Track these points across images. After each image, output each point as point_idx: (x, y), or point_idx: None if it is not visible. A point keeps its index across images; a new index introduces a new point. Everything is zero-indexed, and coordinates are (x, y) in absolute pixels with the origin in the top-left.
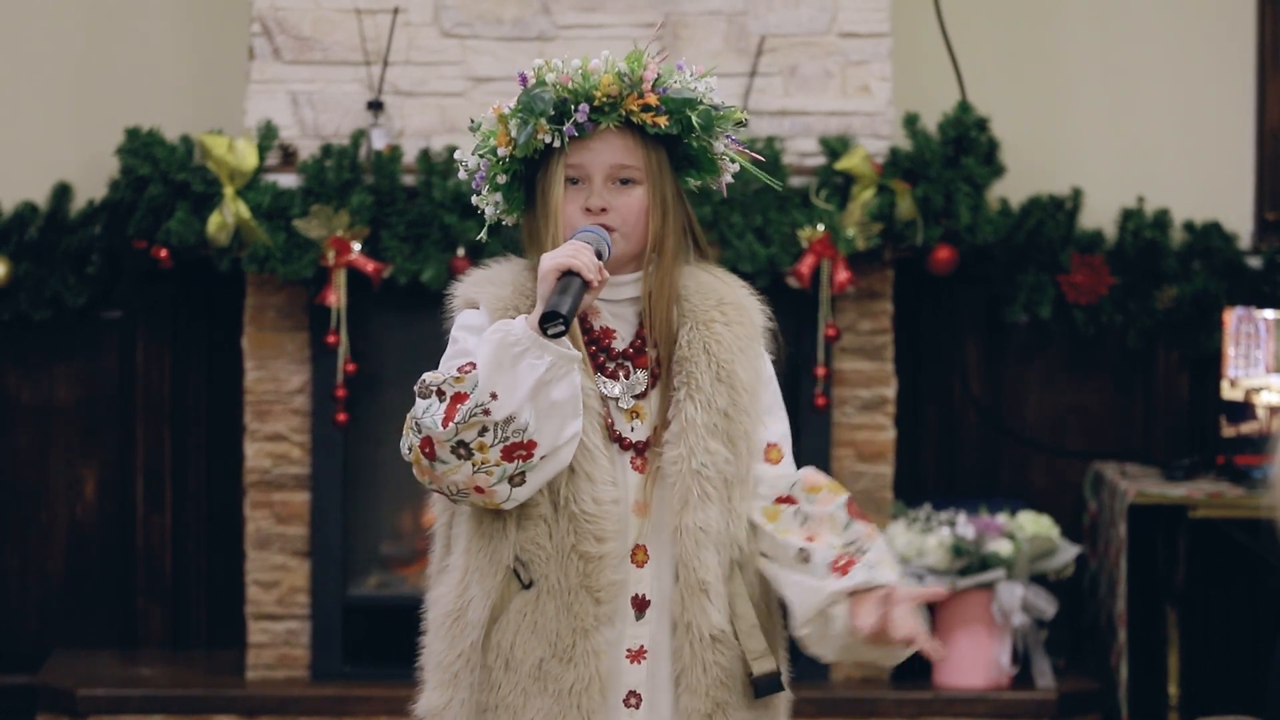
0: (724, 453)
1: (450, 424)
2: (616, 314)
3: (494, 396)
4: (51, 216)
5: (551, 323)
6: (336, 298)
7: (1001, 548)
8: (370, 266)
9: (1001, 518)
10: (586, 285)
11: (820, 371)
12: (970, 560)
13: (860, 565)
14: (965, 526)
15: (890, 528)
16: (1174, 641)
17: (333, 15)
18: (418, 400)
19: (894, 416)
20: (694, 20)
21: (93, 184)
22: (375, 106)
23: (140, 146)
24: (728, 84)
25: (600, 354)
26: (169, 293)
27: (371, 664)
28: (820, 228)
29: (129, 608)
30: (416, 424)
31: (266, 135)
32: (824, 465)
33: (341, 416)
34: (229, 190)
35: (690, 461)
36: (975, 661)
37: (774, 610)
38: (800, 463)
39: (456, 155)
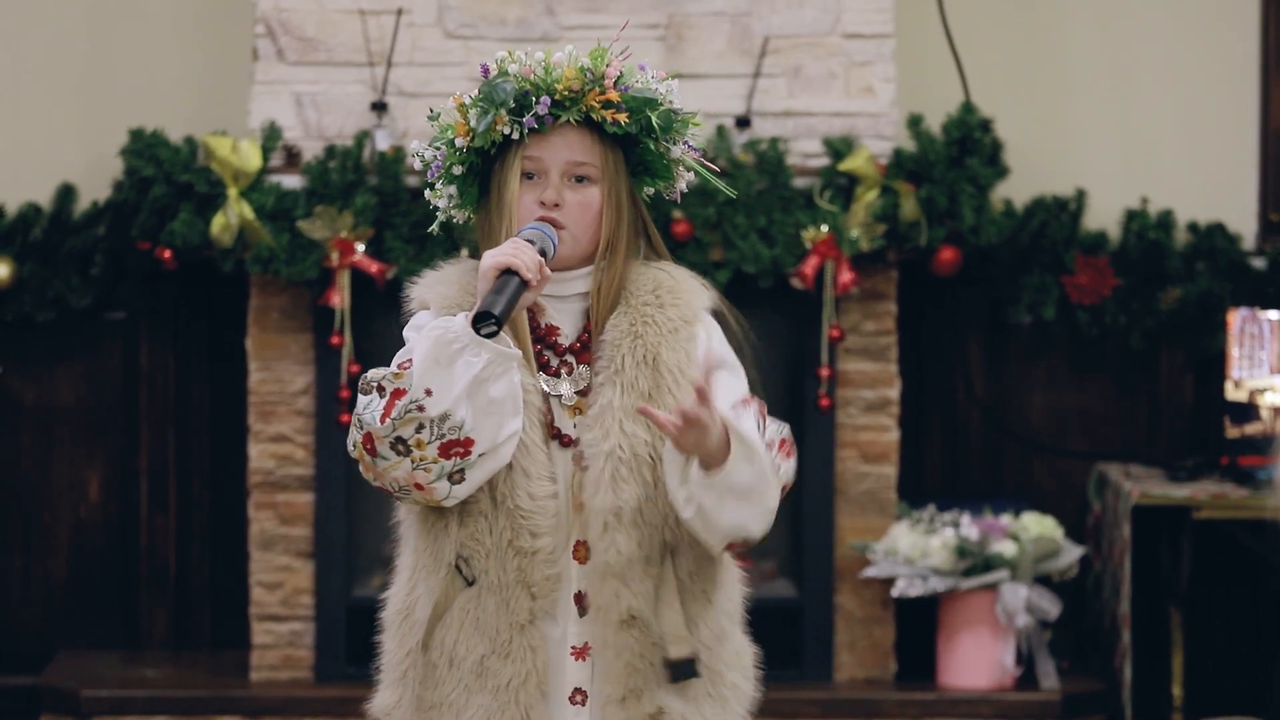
0: (643, 435)
1: (388, 420)
2: (563, 310)
3: (429, 393)
4: (55, 217)
5: (484, 323)
6: (340, 299)
7: (1005, 549)
8: (374, 267)
9: (1005, 519)
10: (525, 284)
11: (824, 372)
12: (974, 561)
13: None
14: (969, 527)
15: (894, 529)
16: (1178, 642)
17: (336, 16)
18: (359, 396)
19: (898, 417)
20: (698, 21)
21: (96, 185)
22: (379, 108)
23: (144, 147)
24: (731, 85)
25: (545, 350)
26: (173, 294)
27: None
28: (824, 229)
29: (132, 609)
30: (359, 420)
31: (270, 136)
32: (828, 467)
33: (345, 417)
34: (233, 191)
35: (604, 444)
36: (979, 662)
37: (712, 596)
38: (802, 464)
39: (412, 146)
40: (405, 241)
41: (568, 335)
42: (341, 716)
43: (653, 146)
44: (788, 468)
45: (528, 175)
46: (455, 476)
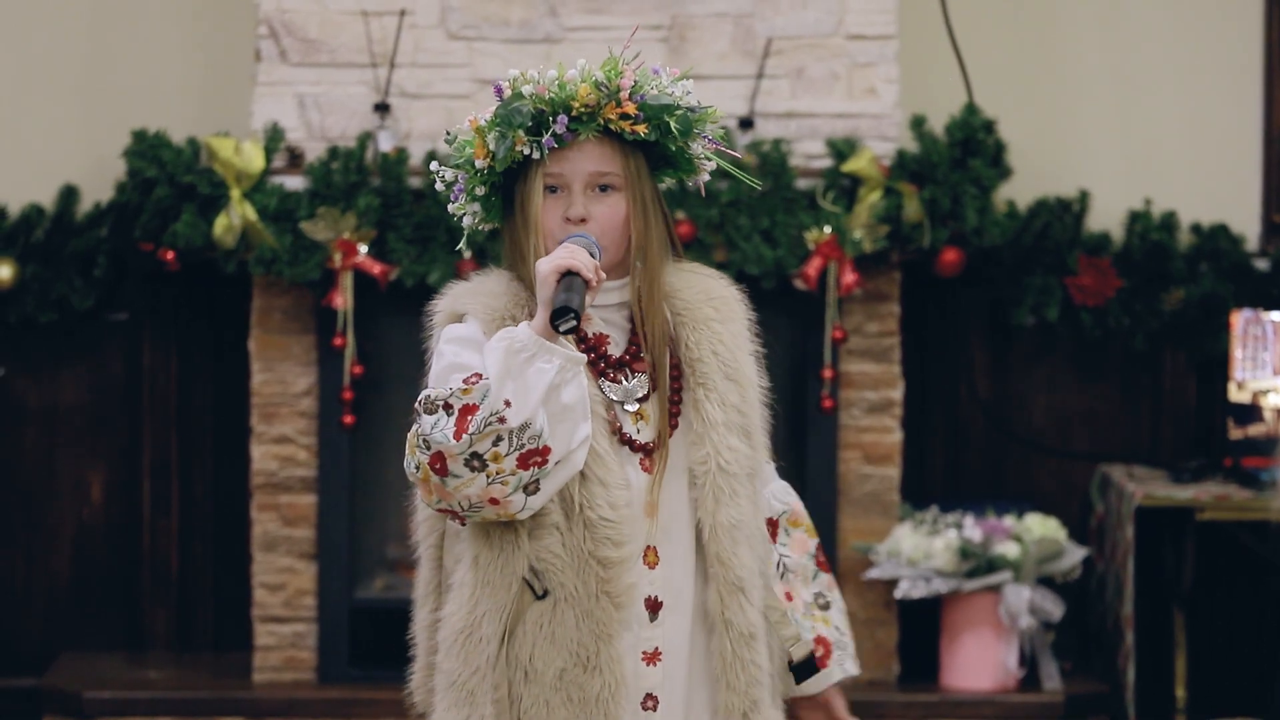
0: (744, 448)
1: (464, 436)
2: (608, 320)
3: (508, 404)
4: (58, 219)
5: (563, 318)
6: (343, 300)
7: (1008, 550)
8: (377, 269)
9: (1008, 520)
10: (587, 284)
11: (827, 374)
12: (977, 562)
13: (834, 660)
14: (972, 529)
15: (897, 530)
16: (1181, 644)
17: (339, 18)
18: (423, 417)
19: (901, 419)
20: (700, 22)
21: (99, 186)
22: (382, 109)
23: (147, 149)
24: (734, 86)
25: (599, 360)
26: (175, 295)
27: (378, 666)
28: (827, 230)
29: (135, 610)
30: (424, 440)
31: (273, 138)
32: (831, 468)
33: (348, 419)
34: (235, 192)
35: (717, 460)
36: (982, 664)
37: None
38: (805, 465)
39: (433, 167)
40: (408, 243)
41: (617, 343)
42: (344, 718)
43: (673, 146)
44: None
45: (550, 190)
46: (531, 487)
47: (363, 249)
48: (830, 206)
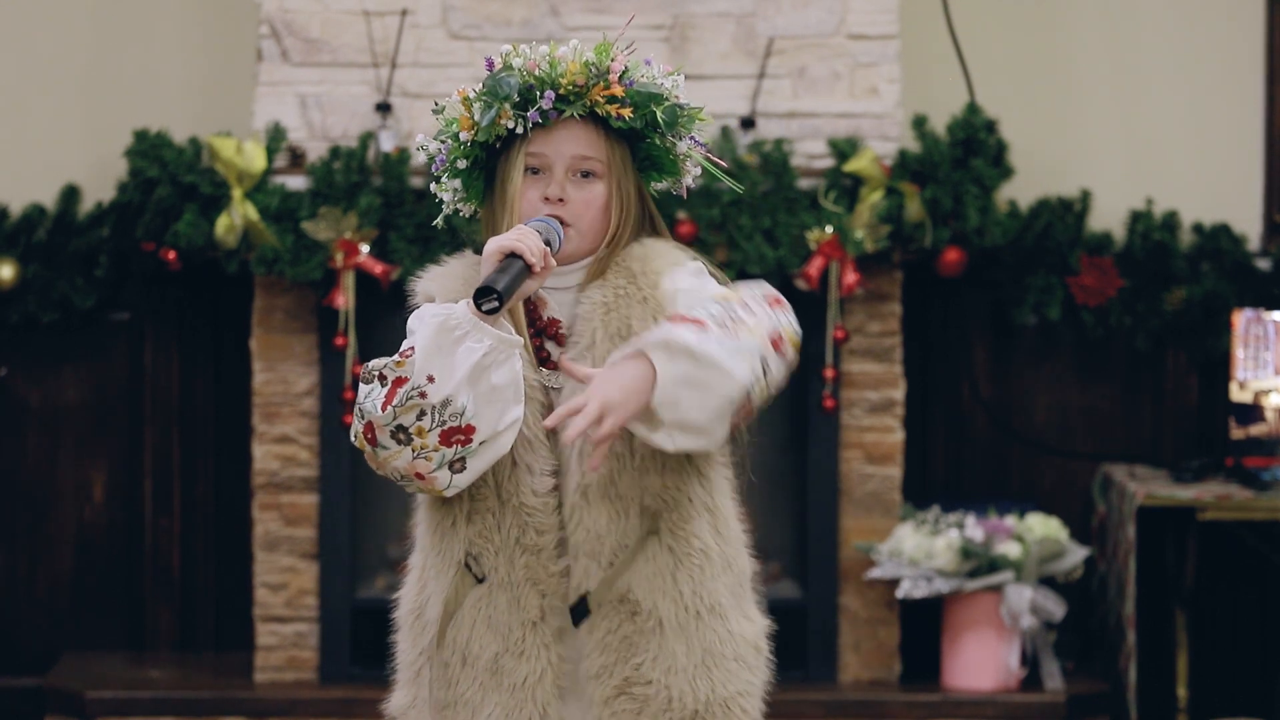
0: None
1: (389, 407)
2: (564, 303)
3: (431, 379)
4: (60, 218)
5: (485, 297)
6: (345, 300)
7: (1010, 550)
8: (378, 268)
9: (1010, 520)
10: (528, 269)
11: (829, 373)
12: (979, 562)
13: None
14: (974, 529)
15: (898, 530)
16: (1183, 644)
17: (341, 17)
18: (361, 386)
19: (902, 418)
20: (702, 22)
21: (101, 186)
22: (383, 108)
23: (148, 149)
24: (736, 85)
25: (547, 344)
26: (177, 295)
27: (379, 666)
28: (829, 230)
29: (137, 610)
30: (360, 409)
31: (275, 137)
32: (832, 468)
33: (349, 419)
34: (237, 192)
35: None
36: (984, 664)
37: (706, 568)
38: (806, 465)
39: (417, 140)
40: (409, 242)
41: (568, 328)
42: (346, 718)
43: (658, 141)
44: (775, 322)
45: (532, 170)
46: (456, 465)
47: (364, 249)
48: (832, 206)
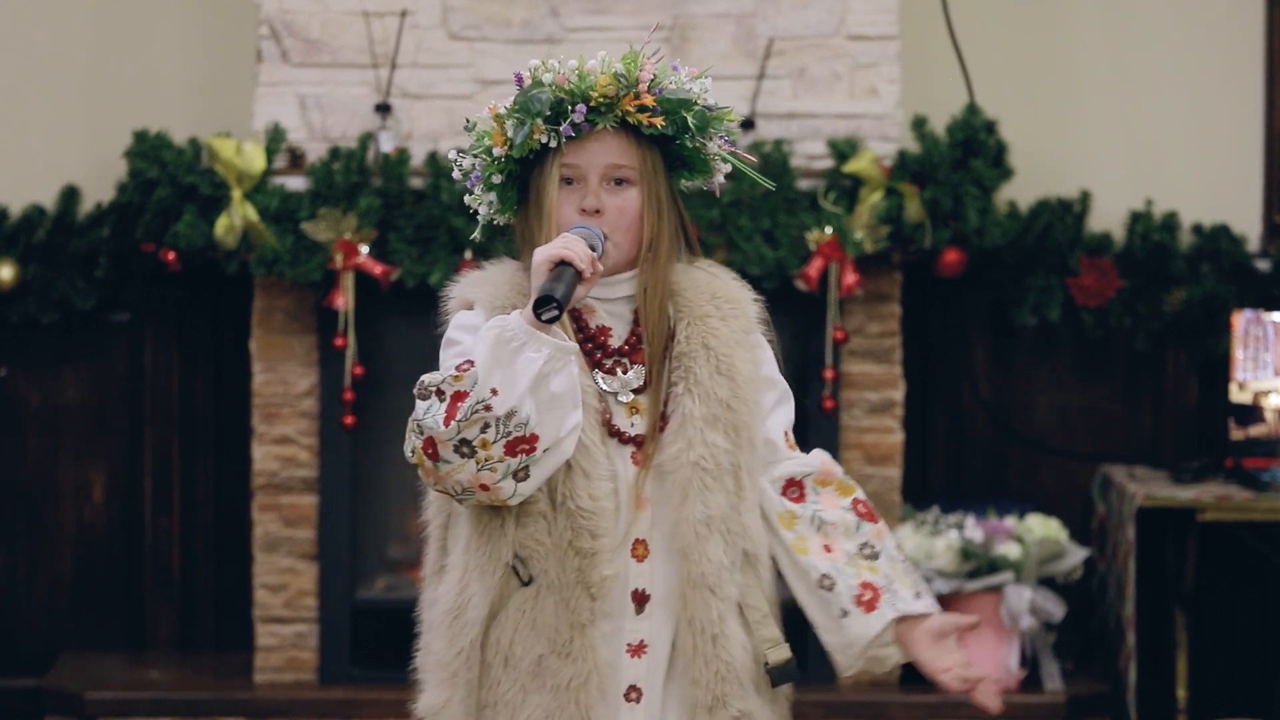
0: (723, 444)
1: (452, 423)
2: (612, 312)
3: (494, 392)
4: (59, 219)
5: (545, 307)
6: (344, 300)
7: (1010, 550)
8: (378, 269)
9: (1010, 520)
10: (579, 276)
11: (828, 374)
12: (978, 563)
13: (884, 601)
14: (973, 529)
15: (898, 530)
16: (1182, 644)
17: (341, 18)
18: (418, 403)
19: (902, 419)
20: (702, 22)
21: (100, 187)
22: (383, 109)
23: (148, 149)
24: (736, 86)
25: (596, 351)
26: (177, 295)
27: (379, 667)
28: (828, 230)
29: (137, 610)
30: (418, 425)
31: (274, 138)
32: None
33: (349, 419)
34: (237, 193)
35: (689, 454)
36: (983, 664)
37: (778, 599)
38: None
39: (450, 154)
40: (409, 243)
41: (618, 335)
42: (345, 718)
43: (689, 144)
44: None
45: (566, 180)
46: (520, 474)
47: (364, 249)
48: (831, 207)
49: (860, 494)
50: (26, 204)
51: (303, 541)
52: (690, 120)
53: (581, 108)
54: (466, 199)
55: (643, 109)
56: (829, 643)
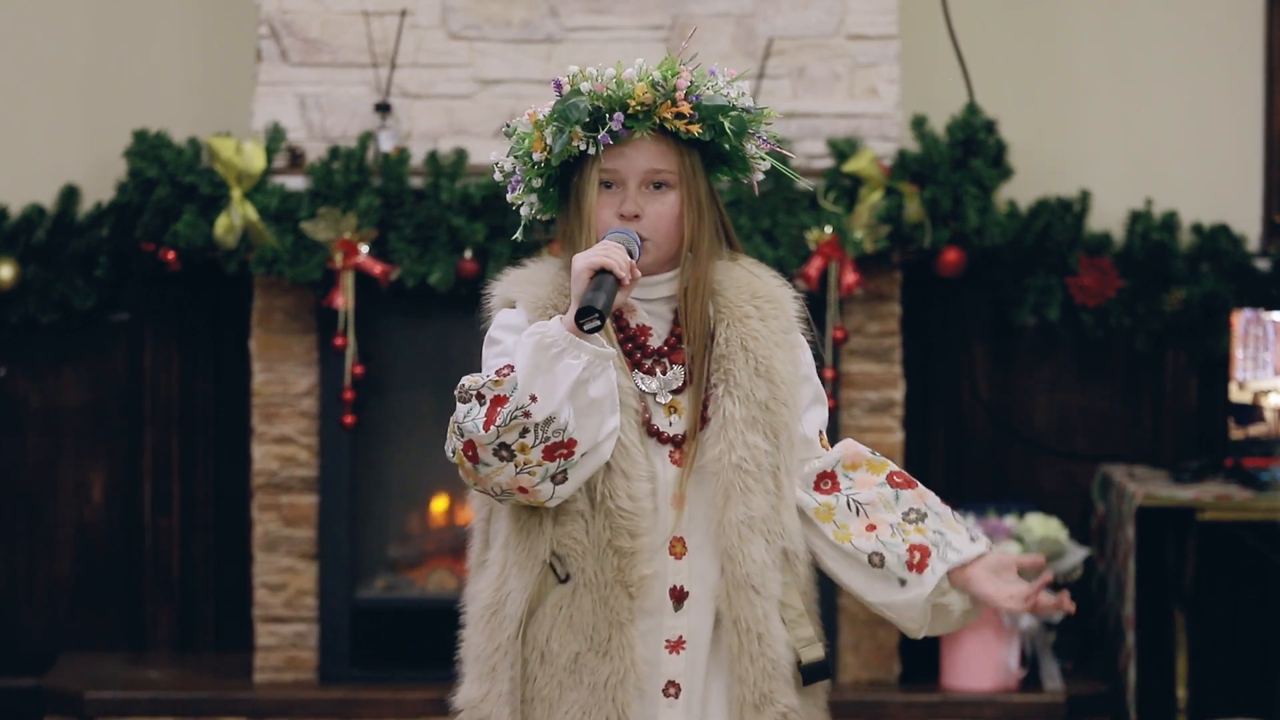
0: (764, 445)
1: (491, 427)
2: (652, 312)
3: (533, 399)
4: (59, 219)
5: (587, 318)
6: (344, 300)
7: (1009, 550)
8: (378, 269)
9: (1009, 520)
10: (619, 282)
11: (828, 374)
12: None
13: (935, 557)
14: (973, 529)
15: None
16: (1182, 644)
17: (340, 18)
18: (458, 405)
19: (902, 419)
20: (702, 22)
21: (100, 186)
22: (383, 109)
23: (148, 149)
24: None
25: (636, 351)
26: (176, 295)
27: (379, 667)
28: (828, 230)
29: (136, 610)
30: (459, 428)
31: (274, 138)
32: None
33: (349, 419)
34: (236, 193)
35: (730, 456)
36: (983, 664)
37: (815, 596)
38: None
39: (492, 157)
40: (409, 243)
41: (658, 335)
42: (345, 718)
43: (727, 145)
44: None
45: (606, 185)
46: (559, 477)
47: (364, 249)
48: (831, 207)
49: (893, 467)
50: (26, 204)
51: (302, 541)
52: (728, 125)
53: (619, 115)
54: (509, 197)
55: (680, 116)
56: (896, 618)
